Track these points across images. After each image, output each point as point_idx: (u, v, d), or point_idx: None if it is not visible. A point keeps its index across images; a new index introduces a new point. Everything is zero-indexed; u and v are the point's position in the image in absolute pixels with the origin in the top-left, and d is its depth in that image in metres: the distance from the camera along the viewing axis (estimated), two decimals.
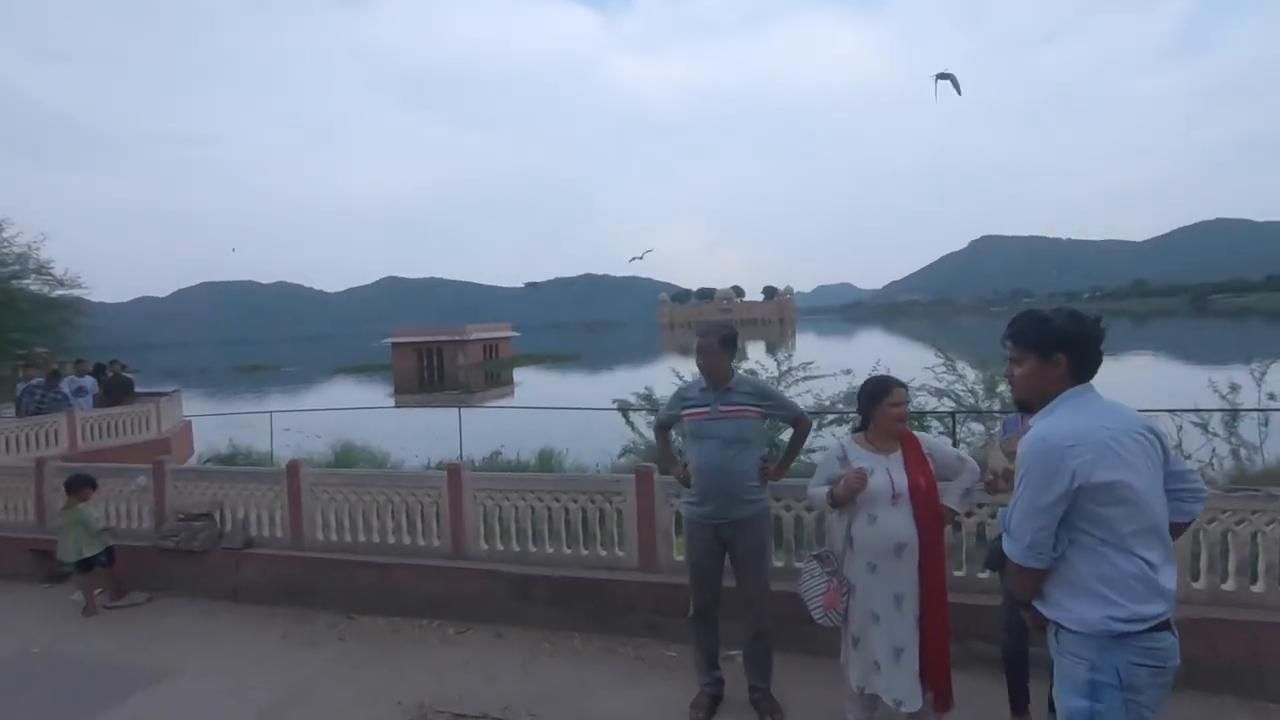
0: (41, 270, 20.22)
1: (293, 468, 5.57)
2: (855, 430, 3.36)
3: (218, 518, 5.80)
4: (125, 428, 12.01)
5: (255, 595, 5.53)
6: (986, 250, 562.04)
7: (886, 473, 3.14)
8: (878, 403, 3.21)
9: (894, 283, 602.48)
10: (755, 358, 13.42)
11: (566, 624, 4.71)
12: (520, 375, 60.26)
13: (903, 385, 3.26)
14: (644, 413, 13.67)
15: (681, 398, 3.73)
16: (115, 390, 13.11)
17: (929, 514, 3.11)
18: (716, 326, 3.61)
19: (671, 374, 13.59)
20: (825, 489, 3.24)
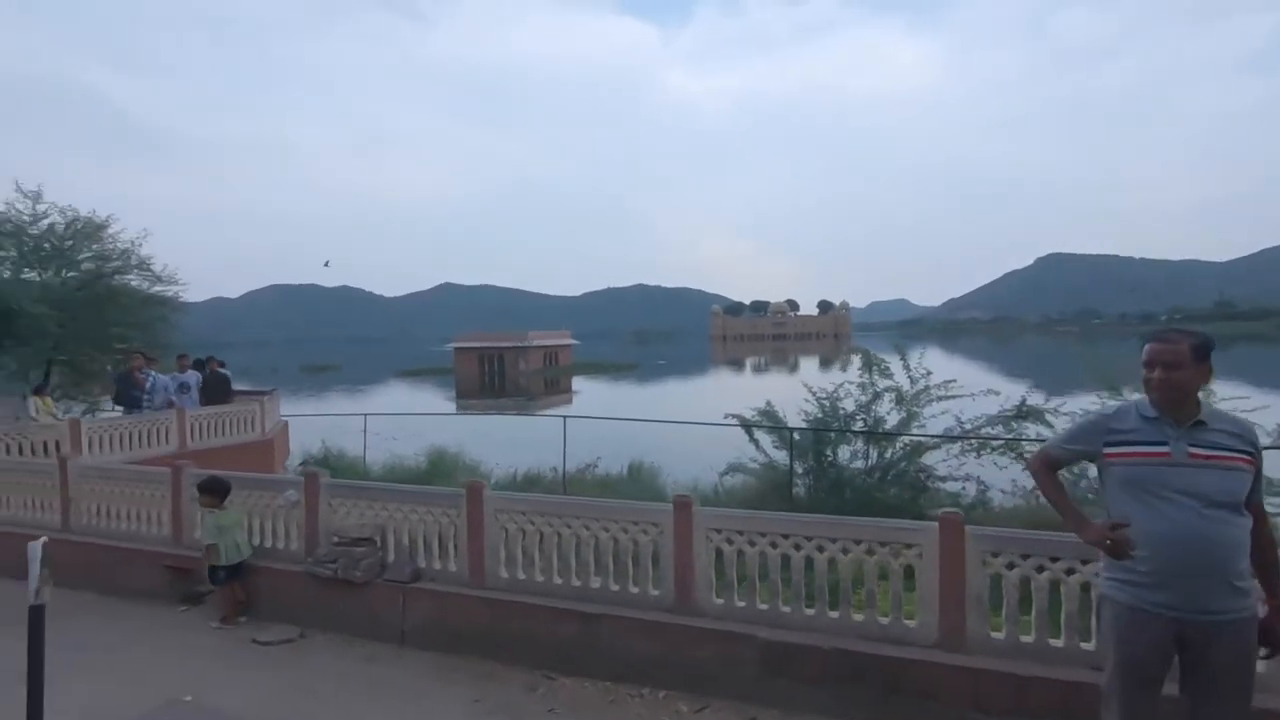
0: (142, 266, 20.49)
1: (474, 490, 4.71)
2: None
3: (379, 543, 4.99)
4: (232, 427, 11.57)
5: (427, 640, 4.67)
6: (1053, 268, 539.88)
7: None
8: None
9: (953, 300, 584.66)
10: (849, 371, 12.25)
11: (841, 711, 3.67)
12: (577, 384, 59.93)
13: None
14: (763, 430, 12.61)
15: (1108, 429, 2.63)
16: (213, 389, 12.68)
17: None
18: (1183, 332, 2.52)
19: (803, 389, 12.53)
20: None
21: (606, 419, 14.49)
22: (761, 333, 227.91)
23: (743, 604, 4.06)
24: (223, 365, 15.73)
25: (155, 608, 5.58)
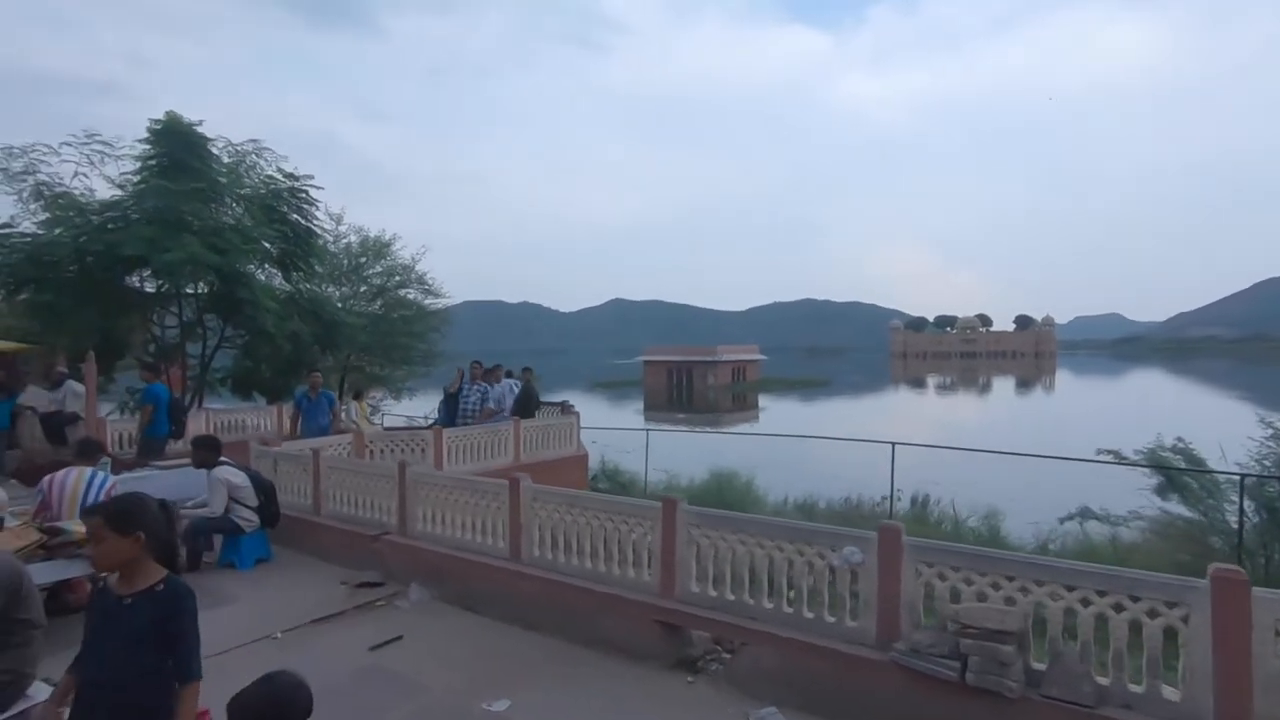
0: (420, 281, 21.95)
1: (1225, 582, 3.08)
2: None
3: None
4: (554, 440, 11.14)
5: None
6: None
7: None
8: None
9: (1182, 314, 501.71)
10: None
11: None
12: (762, 400, 57.65)
13: None
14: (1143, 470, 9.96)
15: None
16: (527, 400, 12.31)
17: None
18: None
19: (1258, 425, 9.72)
20: None
21: (942, 448, 12.44)
22: (948, 349, 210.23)
23: None
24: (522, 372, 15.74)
25: (645, 670, 4.58)
